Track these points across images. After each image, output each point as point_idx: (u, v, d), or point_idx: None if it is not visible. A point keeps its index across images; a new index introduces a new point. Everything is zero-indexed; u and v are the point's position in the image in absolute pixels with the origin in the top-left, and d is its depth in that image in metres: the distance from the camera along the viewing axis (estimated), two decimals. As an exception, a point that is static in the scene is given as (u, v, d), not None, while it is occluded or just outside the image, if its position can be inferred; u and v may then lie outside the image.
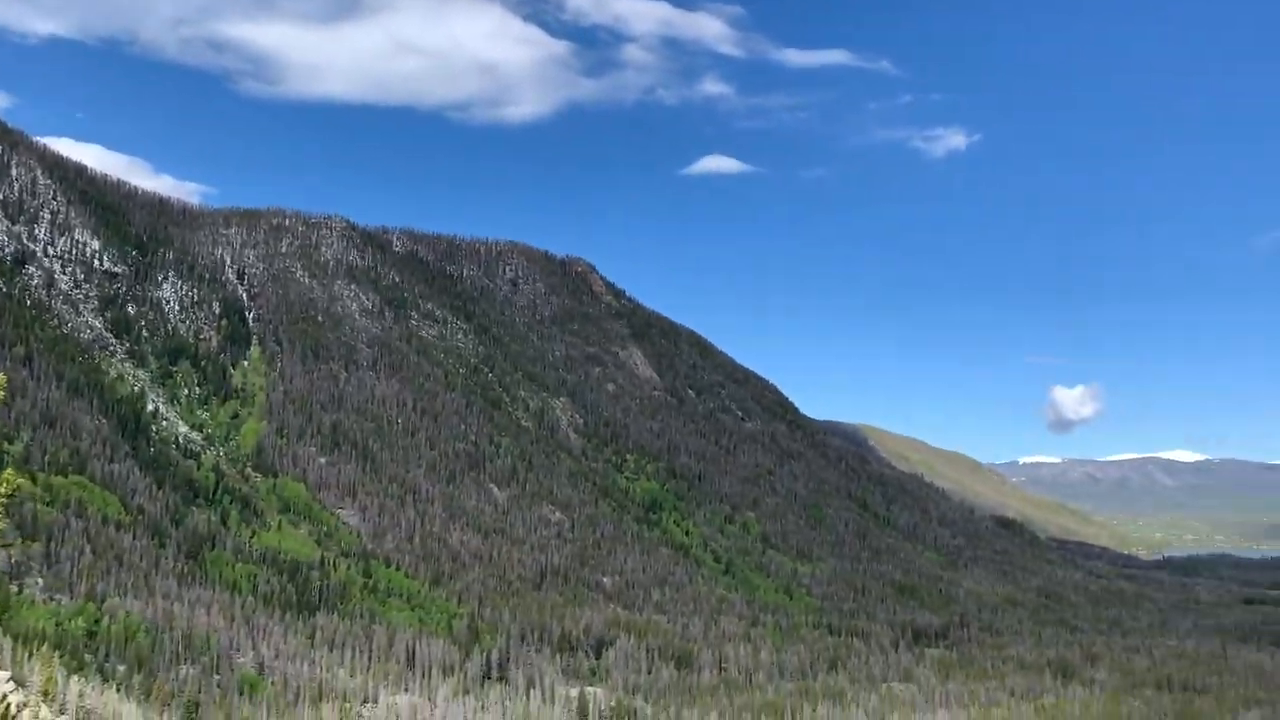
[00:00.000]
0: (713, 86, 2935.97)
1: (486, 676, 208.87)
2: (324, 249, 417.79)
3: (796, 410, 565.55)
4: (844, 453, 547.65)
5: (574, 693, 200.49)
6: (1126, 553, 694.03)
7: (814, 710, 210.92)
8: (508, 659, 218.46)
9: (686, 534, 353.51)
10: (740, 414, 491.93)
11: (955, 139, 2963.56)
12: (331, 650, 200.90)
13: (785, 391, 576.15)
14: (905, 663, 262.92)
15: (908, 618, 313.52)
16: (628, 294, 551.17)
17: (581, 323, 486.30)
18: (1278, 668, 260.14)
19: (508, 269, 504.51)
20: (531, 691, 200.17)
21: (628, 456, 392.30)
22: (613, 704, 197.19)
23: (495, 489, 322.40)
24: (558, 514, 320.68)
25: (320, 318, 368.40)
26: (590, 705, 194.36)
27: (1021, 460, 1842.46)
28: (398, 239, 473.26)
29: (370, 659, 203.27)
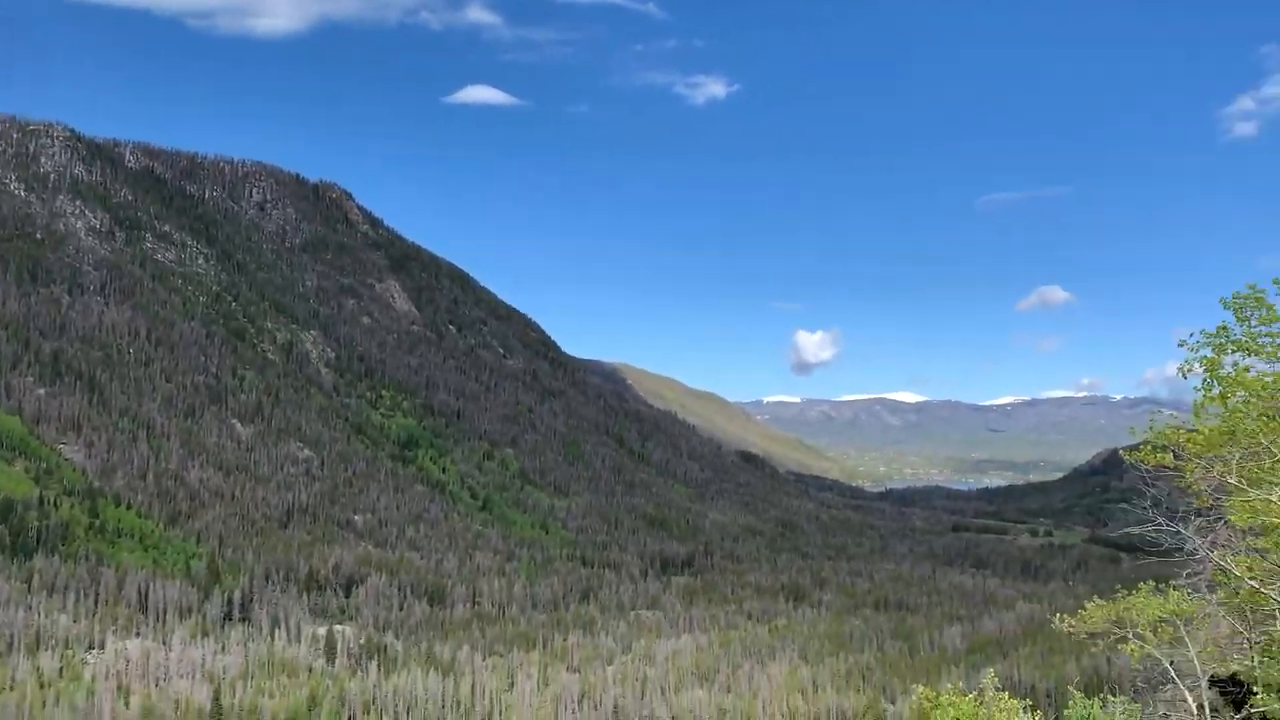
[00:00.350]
0: (480, 14, 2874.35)
1: (227, 618, 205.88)
2: (43, 160, 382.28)
3: (558, 348, 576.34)
4: (603, 391, 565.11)
5: (321, 631, 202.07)
6: (854, 485, 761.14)
7: (565, 639, 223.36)
8: (251, 599, 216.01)
9: (444, 471, 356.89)
10: (502, 351, 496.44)
11: (716, 87, 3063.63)
12: (51, 595, 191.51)
13: (547, 329, 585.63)
14: (653, 591, 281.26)
15: (657, 548, 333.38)
16: (386, 224, 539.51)
17: (336, 252, 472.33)
18: (977, 587, 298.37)
19: (255, 191, 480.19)
20: (276, 631, 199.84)
21: (383, 392, 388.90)
22: (362, 641, 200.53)
23: (238, 424, 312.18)
24: (306, 451, 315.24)
25: (39, 235, 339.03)
26: (339, 643, 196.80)
27: (766, 399, 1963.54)
28: (131, 153, 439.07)
29: (97, 603, 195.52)
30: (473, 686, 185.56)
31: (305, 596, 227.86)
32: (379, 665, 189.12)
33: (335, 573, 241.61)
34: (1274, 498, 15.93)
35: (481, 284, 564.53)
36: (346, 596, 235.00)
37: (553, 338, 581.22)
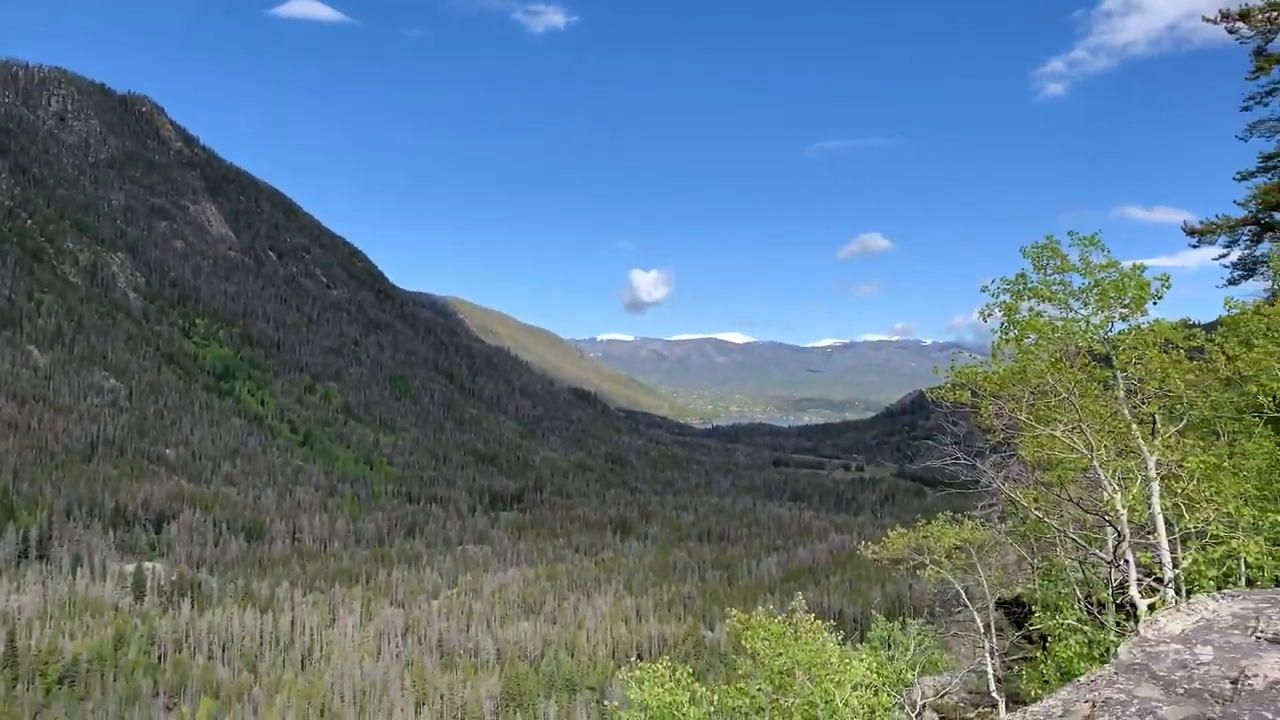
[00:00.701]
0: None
1: (23, 556, 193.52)
2: None
3: (385, 279, 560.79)
4: (433, 325, 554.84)
5: (129, 569, 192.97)
6: (683, 422, 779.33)
7: (389, 574, 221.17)
8: (50, 537, 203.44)
9: (263, 404, 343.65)
10: (325, 280, 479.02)
11: (555, 17, 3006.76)
12: None
13: (374, 260, 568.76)
14: (481, 526, 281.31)
15: (486, 484, 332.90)
16: (202, 142, 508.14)
17: (145, 170, 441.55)
18: (794, 519, 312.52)
19: (53, 100, 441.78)
20: (79, 569, 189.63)
21: (197, 320, 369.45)
22: (174, 578, 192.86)
23: (35, 351, 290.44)
24: (112, 380, 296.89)
25: None
26: (149, 580, 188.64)
27: (599, 337, 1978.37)
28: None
29: None
30: (292, 622, 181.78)
31: (111, 533, 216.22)
32: (192, 603, 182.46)
33: (145, 508, 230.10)
34: (1058, 434, 17.33)
35: (305, 210, 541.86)
36: (157, 533, 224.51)
37: (380, 268, 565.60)
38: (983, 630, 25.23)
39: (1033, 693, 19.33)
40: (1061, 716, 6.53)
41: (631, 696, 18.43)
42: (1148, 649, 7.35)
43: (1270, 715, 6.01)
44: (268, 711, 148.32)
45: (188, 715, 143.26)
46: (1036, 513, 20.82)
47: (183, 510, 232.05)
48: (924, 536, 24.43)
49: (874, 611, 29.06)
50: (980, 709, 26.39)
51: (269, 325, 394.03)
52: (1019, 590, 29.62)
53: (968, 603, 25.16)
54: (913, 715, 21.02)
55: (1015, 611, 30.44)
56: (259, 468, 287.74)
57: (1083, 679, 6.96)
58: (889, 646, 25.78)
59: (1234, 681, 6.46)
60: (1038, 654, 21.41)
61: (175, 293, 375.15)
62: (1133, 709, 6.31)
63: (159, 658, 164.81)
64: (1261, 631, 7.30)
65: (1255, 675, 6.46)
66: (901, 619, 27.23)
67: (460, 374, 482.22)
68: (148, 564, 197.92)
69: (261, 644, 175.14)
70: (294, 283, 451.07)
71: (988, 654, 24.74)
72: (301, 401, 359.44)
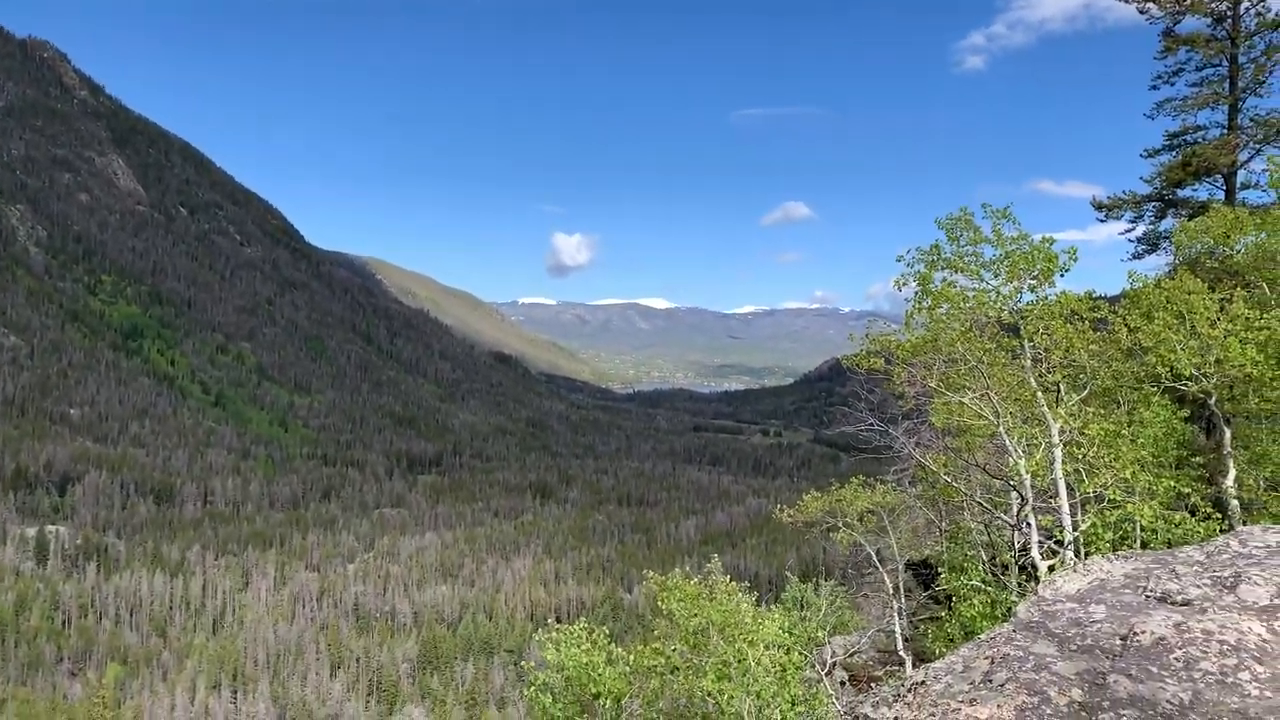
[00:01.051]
0: None
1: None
2: None
3: (301, 238, 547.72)
4: (350, 285, 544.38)
5: (31, 532, 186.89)
6: (604, 387, 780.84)
7: (304, 537, 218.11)
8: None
9: (172, 364, 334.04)
10: (239, 238, 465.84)
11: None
12: None
13: (290, 217, 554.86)
14: (398, 489, 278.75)
15: (404, 447, 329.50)
16: (108, 91, 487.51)
17: (47, 119, 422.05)
18: (713, 483, 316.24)
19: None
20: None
21: (103, 277, 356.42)
22: (79, 542, 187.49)
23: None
24: (12, 338, 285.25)
25: None
26: (52, 544, 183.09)
27: (521, 300, 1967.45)
28: None
29: None
30: (204, 586, 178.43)
31: (12, 496, 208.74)
32: (99, 567, 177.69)
33: (48, 470, 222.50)
34: (966, 401, 17.80)
35: (217, 164, 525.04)
36: (61, 495, 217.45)
37: (295, 226, 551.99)
38: (892, 591, 25.94)
39: (937, 651, 19.97)
40: (962, 672, 6.75)
41: (548, 658, 18.54)
42: (1044, 608, 7.63)
43: (1154, 669, 6.30)
44: (178, 676, 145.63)
45: (94, 681, 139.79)
46: (945, 478, 21.39)
47: (88, 472, 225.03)
48: (837, 500, 24.94)
49: (788, 573, 29.62)
50: (888, 667, 27.19)
51: (179, 283, 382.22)
52: (927, 553, 30.48)
53: (877, 565, 25.83)
54: (823, 673, 21.56)
55: (924, 573, 31.35)
56: (169, 429, 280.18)
57: (983, 636, 7.22)
58: (802, 607, 26.34)
59: (1124, 638, 6.77)
60: (943, 614, 22.10)
61: (80, 248, 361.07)
62: (1029, 664, 6.55)
63: (63, 623, 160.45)
64: (1150, 591, 7.64)
65: (1143, 632, 6.77)
66: (815, 581, 27.84)
67: (378, 336, 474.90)
68: (51, 527, 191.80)
69: (171, 608, 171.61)
70: (206, 240, 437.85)
71: (896, 614, 25.48)
72: (213, 362, 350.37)
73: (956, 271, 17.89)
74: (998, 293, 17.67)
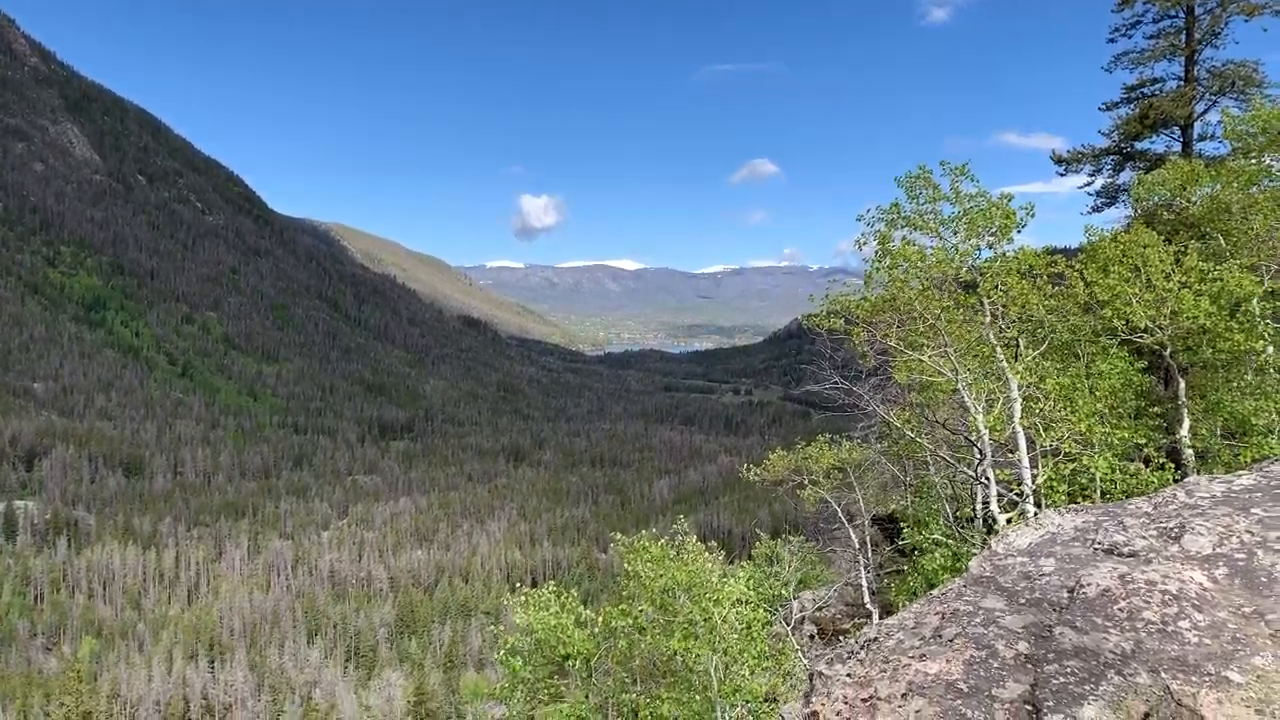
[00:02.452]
0: None
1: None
2: None
3: (265, 205, 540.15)
4: (315, 252, 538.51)
5: None
6: (575, 349, 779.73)
7: (277, 506, 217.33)
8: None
9: (137, 335, 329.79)
10: (200, 206, 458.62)
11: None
12: None
13: (253, 185, 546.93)
14: (371, 456, 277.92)
15: (375, 414, 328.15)
16: (60, 58, 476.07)
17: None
18: (685, 443, 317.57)
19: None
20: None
21: (62, 249, 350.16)
22: (48, 517, 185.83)
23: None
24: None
25: None
26: (20, 519, 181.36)
27: (489, 264, 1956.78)
28: None
29: None
30: (177, 558, 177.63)
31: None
32: (69, 541, 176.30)
33: (13, 445, 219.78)
34: (925, 358, 17.95)
35: (176, 131, 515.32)
36: (28, 470, 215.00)
37: (258, 193, 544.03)
38: (858, 546, 26.28)
39: (900, 603, 20.32)
40: (913, 628, 6.89)
41: (518, 621, 18.68)
42: (996, 562, 7.79)
43: (1099, 620, 6.46)
44: (154, 648, 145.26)
45: (68, 655, 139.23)
46: (909, 433, 21.61)
47: (54, 446, 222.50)
48: (804, 458, 25.13)
49: (758, 530, 29.91)
50: (856, 619, 27.62)
51: (141, 253, 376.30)
52: (893, 507, 30.85)
53: (843, 520, 26.12)
54: (789, 628, 21.88)
55: (890, 527, 31.75)
56: (136, 401, 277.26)
57: (935, 592, 7.36)
58: (772, 563, 26.64)
59: (1071, 591, 6.93)
60: (907, 568, 22.45)
61: (36, 219, 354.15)
62: (978, 619, 6.69)
63: (35, 598, 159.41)
64: (1099, 543, 7.81)
65: (1089, 584, 6.93)
66: (785, 536, 28.14)
67: (345, 302, 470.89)
68: (19, 502, 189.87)
69: (145, 581, 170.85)
70: (167, 208, 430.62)
71: (862, 568, 25.83)
72: (179, 332, 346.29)
73: (916, 230, 17.95)
74: (956, 250, 17.77)
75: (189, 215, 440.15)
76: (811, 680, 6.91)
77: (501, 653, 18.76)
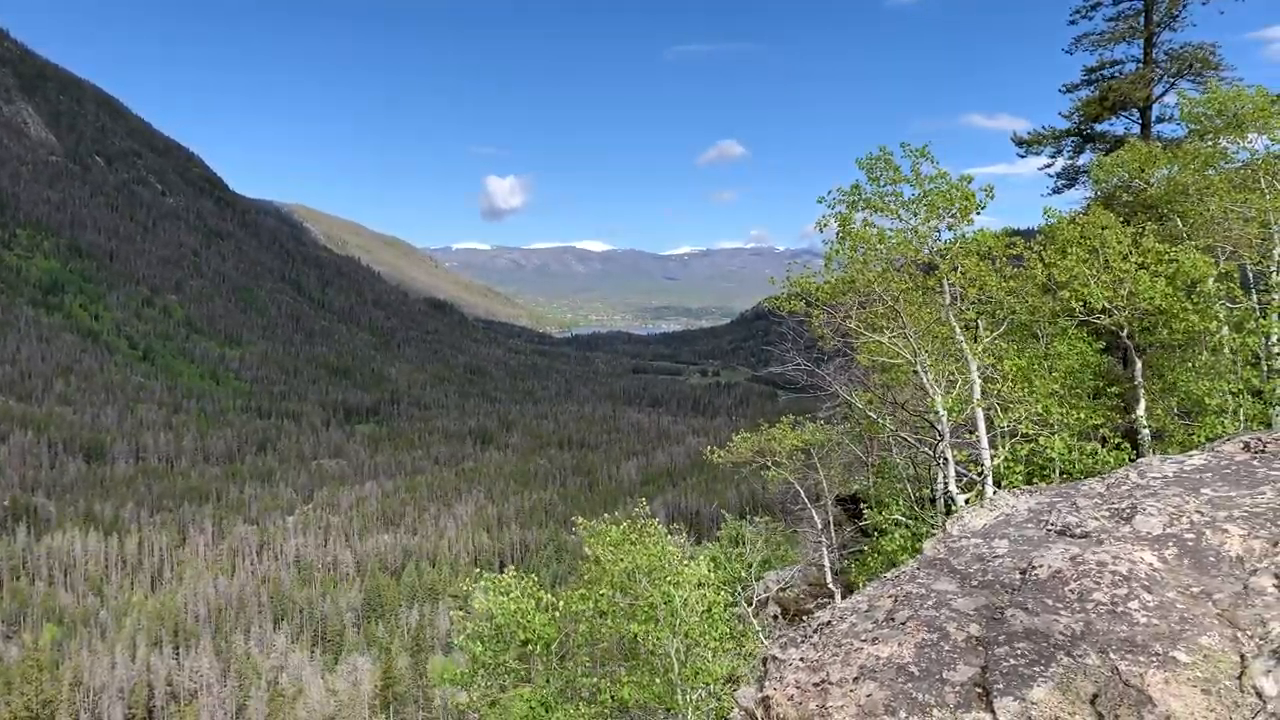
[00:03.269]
0: None
1: None
2: None
3: (226, 186, 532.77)
4: (278, 233, 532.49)
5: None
6: (542, 331, 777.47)
7: (241, 491, 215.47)
8: None
9: (96, 319, 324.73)
10: (160, 187, 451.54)
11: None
12: None
13: (213, 166, 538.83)
14: (336, 440, 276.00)
15: (340, 397, 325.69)
16: (13, 36, 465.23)
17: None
18: (653, 425, 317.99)
19: None
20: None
21: (18, 231, 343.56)
22: (6, 503, 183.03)
23: None
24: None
25: None
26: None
27: (455, 246, 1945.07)
28: None
29: None
30: (140, 544, 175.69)
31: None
32: (29, 528, 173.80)
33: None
34: (885, 340, 18.00)
35: (134, 111, 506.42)
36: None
37: (219, 175, 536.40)
38: (821, 527, 26.41)
39: (860, 584, 20.43)
40: (866, 611, 6.88)
41: (477, 606, 18.59)
42: (950, 544, 7.80)
43: (1049, 601, 6.47)
44: (117, 635, 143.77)
45: (30, 643, 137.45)
46: (871, 414, 21.69)
47: (13, 432, 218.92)
48: (768, 440, 25.16)
49: (725, 511, 29.99)
50: (818, 600, 27.79)
51: (100, 236, 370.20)
52: (856, 488, 31.02)
53: (806, 500, 26.22)
54: (750, 610, 21.95)
55: (853, 508, 31.94)
56: (96, 385, 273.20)
57: (888, 574, 7.36)
58: (737, 544, 26.70)
59: (1023, 572, 6.95)
60: (868, 548, 22.59)
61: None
62: (930, 601, 6.69)
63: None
64: (1051, 524, 7.85)
65: (1041, 566, 6.96)
66: (750, 517, 28.21)
67: (309, 285, 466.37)
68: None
69: (107, 567, 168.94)
70: (126, 190, 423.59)
71: (825, 549, 25.97)
72: (140, 315, 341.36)
73: (876, 211, 17.95)
74: (915, 232, 17.79)
75: (149, 197, 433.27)
76: (765, 664, 6.88)
77: (462, 637, 18.66)
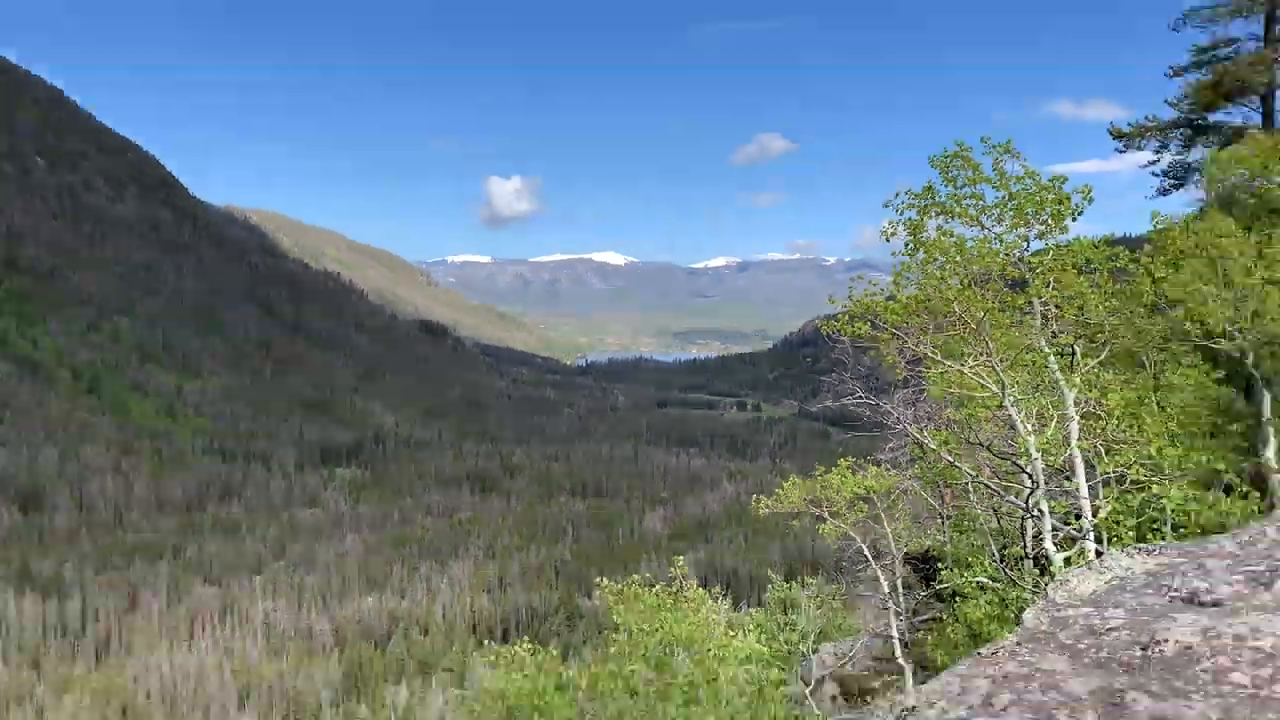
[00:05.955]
0: None
1: None
2: None
3: (186, 192, 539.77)
4: (246, 246, 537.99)
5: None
6: (552, 357, 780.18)
7: (201, 547, 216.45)
8: None
9: (34, 344, 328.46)
10: (110, 193, 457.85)
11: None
12: None
13: (172, 168, 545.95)
14: (312, 486, 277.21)
15: (317, 436, 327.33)
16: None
17: None
18: (682, 468, 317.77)
19: None
20: None
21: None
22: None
23: None
24: None
25: None
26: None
27: (451, 259, 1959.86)
28: None
29: None
30: (83, 607, 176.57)
31: None
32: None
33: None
34: (965, 369, 17.90)
35: (82, 107, 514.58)
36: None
37: (179, 178, 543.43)
38: (888, 590, 26.18)
39: (939, 659, 20.24)
40: (958, 695, 6.77)
41: (485, 685, 18.55)
42: (1055, 614, 7.69)
43: (1179, 683, 6.35)
44: (54, 715, 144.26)
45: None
46: (946, 457, 21.54)
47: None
48: (823, 487, 25.04)
49: (770, 572, 29.87)
50: (885, 677, 27.51)
51: (39, 248, 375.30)
52: (929, 544, 30.79)
53: (871, 559, 26.03)
54: (807, 690, 21.79)
55: (925, 567, 31.67)
56: (33, 422, 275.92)
57: (983, 651, 7.26)
58: (787, 610, 26.54)
59: (1144, 648, 6.83)
60: (945, 615, 22.37)
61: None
62: (1035, 683, 6.58)
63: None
64: (1175, 591, 7.72)
65: (1165, 640, 6.82)
66: (801, 578, 28.05)
67: (281, 306, 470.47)
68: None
69: (45, 634, 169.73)
70: (71, 196, 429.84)
71: (893, 615, 25.74)
72: (85, 342, 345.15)
73: (953, 218, 17.91)
74: (1000, 241, 17.73)
75: (97, 204, 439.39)
76: (838, 758, 6.79)
77: (466, 722, 18.63)
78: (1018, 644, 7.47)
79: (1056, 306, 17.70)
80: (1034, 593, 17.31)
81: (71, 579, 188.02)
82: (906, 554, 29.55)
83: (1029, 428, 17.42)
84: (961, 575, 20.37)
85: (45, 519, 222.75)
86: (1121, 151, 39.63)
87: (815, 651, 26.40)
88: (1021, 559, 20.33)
